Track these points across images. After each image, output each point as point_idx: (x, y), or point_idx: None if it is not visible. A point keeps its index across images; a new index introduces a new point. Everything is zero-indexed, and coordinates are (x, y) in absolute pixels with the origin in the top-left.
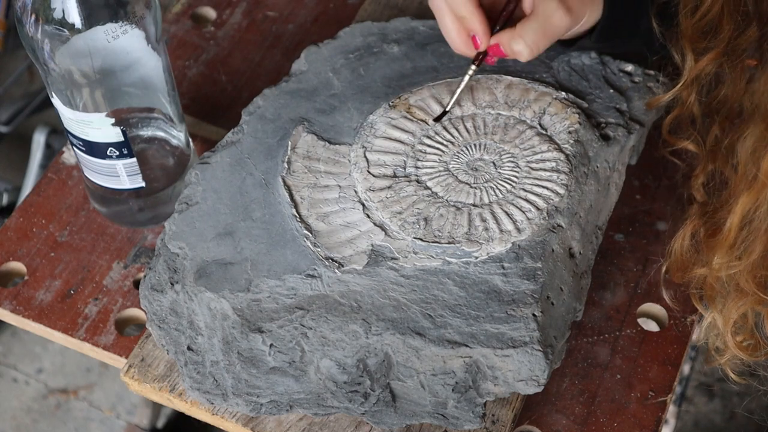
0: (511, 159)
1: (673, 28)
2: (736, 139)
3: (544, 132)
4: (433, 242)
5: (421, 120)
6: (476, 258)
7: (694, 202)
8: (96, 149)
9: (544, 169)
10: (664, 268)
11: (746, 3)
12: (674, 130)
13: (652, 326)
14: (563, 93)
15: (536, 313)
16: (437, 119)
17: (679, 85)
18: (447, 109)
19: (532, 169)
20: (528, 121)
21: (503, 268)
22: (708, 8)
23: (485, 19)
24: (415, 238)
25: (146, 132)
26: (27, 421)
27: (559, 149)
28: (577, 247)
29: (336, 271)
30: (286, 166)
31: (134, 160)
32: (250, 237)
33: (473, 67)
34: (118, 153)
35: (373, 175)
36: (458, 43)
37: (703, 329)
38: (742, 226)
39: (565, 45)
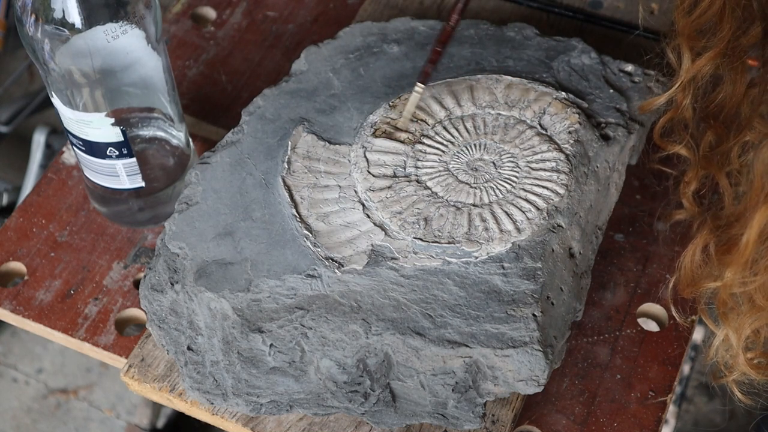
0: (511, 159)
1: (669, 26)
2: (734, 145)
3: (544, 132)
4: (433, 242)
5: (422, 120)
6: (476, 258)
7: (705, 216)
8: (96, 149)
9: (544, 169)
10: (671, 284)
11: (750, 0)
12: (666, 133)
13: (652, 326)
14: (563, 93)
15: (536, 313)
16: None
17: (675, 86)
18: (399, 126)
19: (532, 169)
20: (528, 121)
21: (503, 268)
22: (708, 5)
23: None
24: (415, 238)
25: (146, 132)
26: (27, 421)
27: (559, 149)
28: (577, 247)
29: (336, 271)
30: (286, 166)
31: (134, 160)
32: (250, 237)
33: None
34: (117, 153)
35: (373, 175)
36: None
37: (714, 346)
38: (760, 242)
39: None
